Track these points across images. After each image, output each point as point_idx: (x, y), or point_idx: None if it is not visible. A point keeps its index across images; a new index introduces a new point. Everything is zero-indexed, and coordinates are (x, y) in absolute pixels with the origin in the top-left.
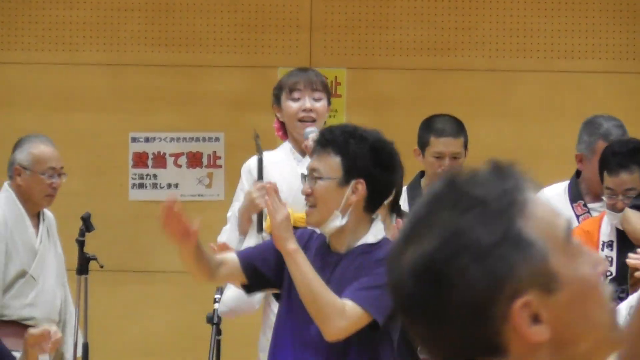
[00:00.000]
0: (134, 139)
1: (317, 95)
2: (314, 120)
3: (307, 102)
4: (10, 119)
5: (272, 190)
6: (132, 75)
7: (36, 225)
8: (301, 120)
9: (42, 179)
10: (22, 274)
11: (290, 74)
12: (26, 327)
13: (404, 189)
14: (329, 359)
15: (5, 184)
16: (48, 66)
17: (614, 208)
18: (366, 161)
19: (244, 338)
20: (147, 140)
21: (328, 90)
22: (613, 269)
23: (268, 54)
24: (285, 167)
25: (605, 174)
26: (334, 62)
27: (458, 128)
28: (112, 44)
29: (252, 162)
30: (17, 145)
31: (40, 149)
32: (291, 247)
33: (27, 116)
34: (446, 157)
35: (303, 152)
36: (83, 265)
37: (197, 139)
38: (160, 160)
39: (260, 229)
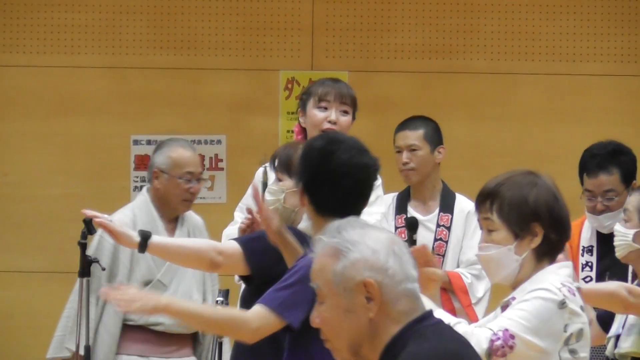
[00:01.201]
0: (135, 142)
1: (344, 108)
2: None
3: (334, 115)
4: (12, 122)
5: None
6: (134, 78)
7: (172, 230)
8: (324, 131)
9: (180, 183)
10: (148, 281)
11: (322, 83)
12: (153, 332)
13: (393, 195)
14: None
15: (144, 188)
16: (50, 69)
17: (593, 210)
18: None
19: None
20: (149, 143)
21: (355, 105)
22: (593, 274)
23: (270, 57)
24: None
25: (584, 176)
26: (336, 65)
27: (418, 122)
28: (113, 47)
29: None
30: (157, 148)
31: (179, 152)
32: (161, 304)
33: (29, 119)
34: (404, 151)
35: None
36: (85, 267)
37: (199, 142)
38: None
39: None
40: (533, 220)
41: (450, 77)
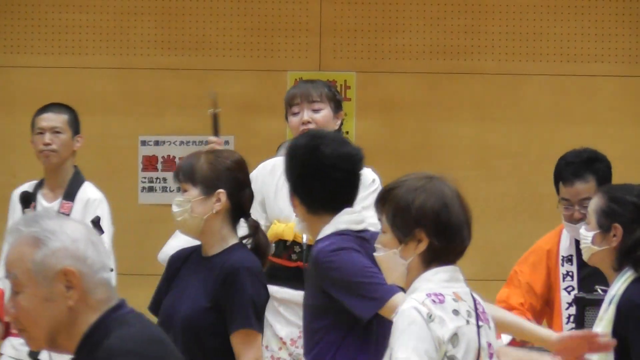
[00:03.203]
0: (143, 143)
1: (315, 106)
2: None
3: (305, 115)
4: (20, 123)
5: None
6: (142, 79)
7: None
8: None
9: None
10: None
11: (291, 88)
12: None
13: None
14: None
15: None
16: (58, 70)
17: (571, 219)
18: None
19: None
20: (156, 143)
21: (332, 99)
22: (574, 283)
23: (278, 58)
24: (282, 177)
25: (560, 184)
26: (344, 66)
27: (62, 108)
28: (121, 48)
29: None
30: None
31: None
32: None
33: None
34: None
35: None
36: None
37: (207, 143)
38: (170, 164)
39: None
40: (416, 226)
41: (457, 78)
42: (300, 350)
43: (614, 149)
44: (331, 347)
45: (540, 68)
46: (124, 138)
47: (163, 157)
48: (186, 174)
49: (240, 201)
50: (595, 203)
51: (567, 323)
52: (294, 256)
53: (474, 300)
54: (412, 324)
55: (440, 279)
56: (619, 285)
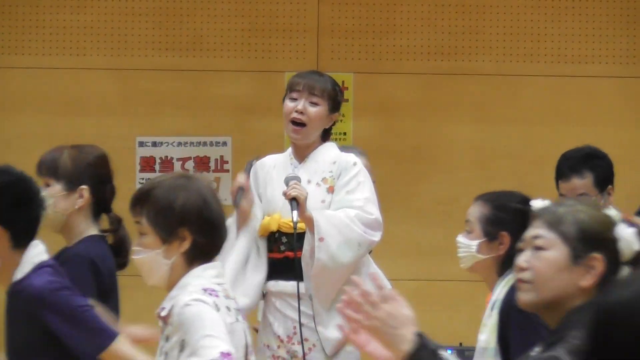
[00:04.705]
0: (141, 144)
1: (314, 99)
2: (304, 124)
3: (301, 104)
4: (18, 124)
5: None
6: (139, 79)
7: None
8: (292, 121)
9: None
10: None
11: (297, 74)
12: None
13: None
14: None
15: None
16: (55, 71)
17: None
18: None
19: None
20: (154, 144)
21: (332, 98)
22: None
23: (275, 58)
24: (281, 172)
25: (559, 181)
26: (341, 67)
27: None
28: (119, 49)
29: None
30: None
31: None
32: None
33: (35, 120)
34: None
35: (300, 157)
36: None
37: (205, 144)
38: (167, 165)
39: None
40: (180, 225)
41: (455, 79)
42: (297, 347)
43: (613, 149)
44: None
45: (538, 69)
46: (122, 139)
47: (161, 158)
48: (49, 169)
49: (103, 196)
50: (478, 211)
51: None
52: (282, 247)
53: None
54: (203, 313)
55: (210, 275)
56: (500, 290)
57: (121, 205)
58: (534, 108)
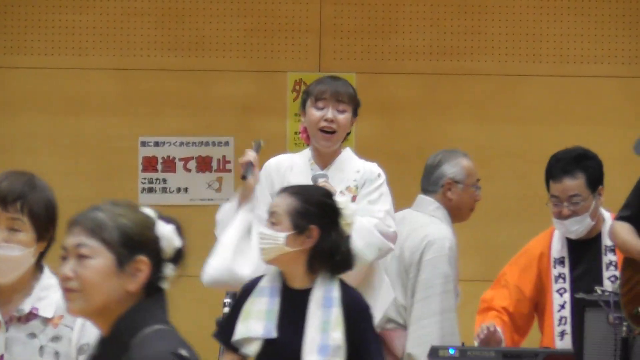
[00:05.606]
0: (143, 144)
1: (341, 107)
2: (334, 132)
3: (330, 113)
4: (20, 124)
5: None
6: (142, 79)
7: None
8: (322, 130)
9: (473, 192)
10: None
11: (320, 82)
12: None
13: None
14: None
15: (429, 198)
16: (57, 71)
17: (559, 215)
18: None
19: None
20: (156, 144)
21: (356, 102)
22: (567, 285)
23: (277, 58)
24: (299, 176)
25: (550, 182)
26: (343, 67)
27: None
28: (121, 49)
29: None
30: (443, 160)
31: (468, 162)
32: None
33: (37, 120)
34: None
35: (323, 163)
36: None
37: (207, 143)
38: (169, 165)
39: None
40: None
41: (457, 79)
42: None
43: (613, 149)
44: None
45: (540, 69)
46: (124, 139)
47: (163, 157)
48: None
49: None
50: (286, 203)
51: (559, 325)
52: None
53: None
54: None
55: None
56: (334, 287)
57: None
58: (535, 108)
